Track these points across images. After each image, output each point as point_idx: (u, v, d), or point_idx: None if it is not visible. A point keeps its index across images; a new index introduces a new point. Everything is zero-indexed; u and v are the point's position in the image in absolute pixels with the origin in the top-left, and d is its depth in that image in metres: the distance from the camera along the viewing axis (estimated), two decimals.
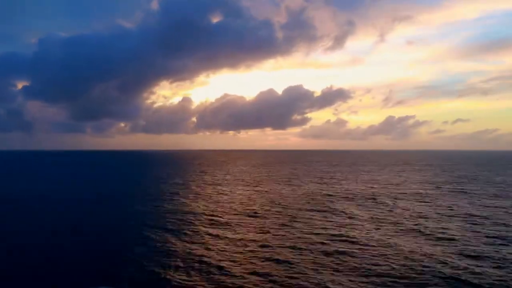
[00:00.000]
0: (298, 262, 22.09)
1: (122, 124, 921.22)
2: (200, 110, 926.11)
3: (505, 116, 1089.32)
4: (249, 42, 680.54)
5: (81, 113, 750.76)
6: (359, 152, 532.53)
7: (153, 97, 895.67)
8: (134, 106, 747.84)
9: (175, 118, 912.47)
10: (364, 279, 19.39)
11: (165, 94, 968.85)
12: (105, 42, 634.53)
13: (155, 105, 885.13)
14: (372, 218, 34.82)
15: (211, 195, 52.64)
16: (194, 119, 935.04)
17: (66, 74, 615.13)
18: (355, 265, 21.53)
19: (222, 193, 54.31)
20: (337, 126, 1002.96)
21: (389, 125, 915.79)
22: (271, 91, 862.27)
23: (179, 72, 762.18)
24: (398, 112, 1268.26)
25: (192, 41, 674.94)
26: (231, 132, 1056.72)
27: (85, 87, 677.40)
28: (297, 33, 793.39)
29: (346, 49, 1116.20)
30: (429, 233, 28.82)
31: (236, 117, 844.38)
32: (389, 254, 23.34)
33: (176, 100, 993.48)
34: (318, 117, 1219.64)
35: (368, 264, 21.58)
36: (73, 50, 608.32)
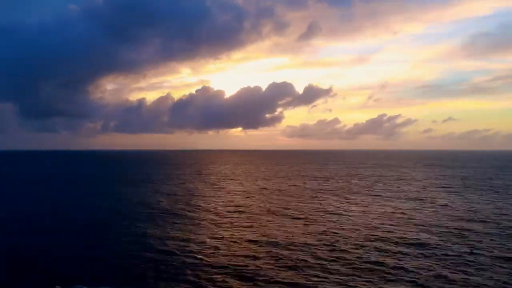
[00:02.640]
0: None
1: (90, 124, 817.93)
2: (172, 108, 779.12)
3: (508, 115, 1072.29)
4: (209, 25, 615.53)
5: (28, 111, 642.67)
6: (348, 152, 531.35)
7: (106, 94, 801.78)
8: (90, 103, 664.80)
9: (145, 116, 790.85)
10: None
11: (120, 91, 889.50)
12: (49, 31, 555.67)
13: (122, 103, 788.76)
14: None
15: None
16: (166, 118, 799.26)
17: (5, 68, 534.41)
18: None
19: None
20: (327, 125, 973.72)
21: (384, 125, 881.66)
22: (256, 89, 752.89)
23: (136, 65, 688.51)
24: (397, 112, 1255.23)
25: (145, 26, 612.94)
26: (210, 132, 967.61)
27: (29, 83, 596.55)
28: (263, 19, 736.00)
29: (350, 48, 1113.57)
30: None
31: (210, 115, 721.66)
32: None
33: (143, 97, 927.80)
34: (302, 116, 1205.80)
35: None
36: (13, 41, 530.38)
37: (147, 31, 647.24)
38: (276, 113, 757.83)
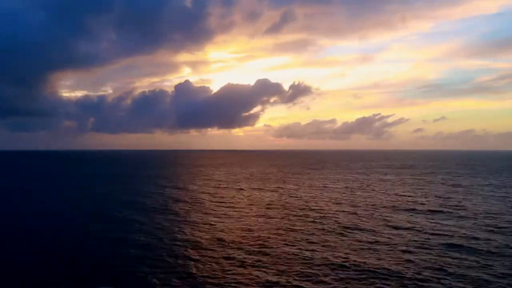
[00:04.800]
0: None
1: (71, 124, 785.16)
2: (136, 105, 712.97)
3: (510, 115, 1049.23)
4: (171, 14, 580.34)
5: None
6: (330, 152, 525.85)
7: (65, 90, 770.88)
8: (51, 100, 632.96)
9: (115, 115, 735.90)
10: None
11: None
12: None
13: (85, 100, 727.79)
14: None
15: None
16: (132, 115, 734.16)
17: None
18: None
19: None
20: (320, 125, 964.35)
21: (376, 125, 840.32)
22: (239, 86, 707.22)
23: (91, 59, 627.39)
24: (397, 112, 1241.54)
25: (99, 16, 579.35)
26: (192, 131, 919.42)
27: None
28: (229, 8, 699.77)
29: (354, 47, 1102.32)
30: None
31: (185, 113, 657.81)
32: None
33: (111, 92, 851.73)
34: (291, 115, 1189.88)
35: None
36: None
37: (103, 22, 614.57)
38: (261, 111, 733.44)
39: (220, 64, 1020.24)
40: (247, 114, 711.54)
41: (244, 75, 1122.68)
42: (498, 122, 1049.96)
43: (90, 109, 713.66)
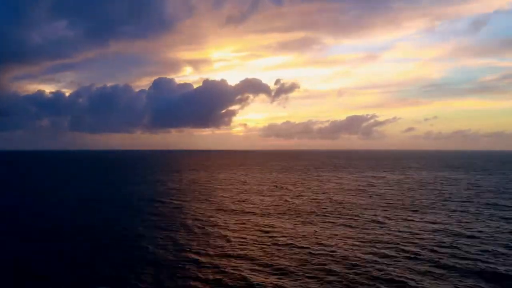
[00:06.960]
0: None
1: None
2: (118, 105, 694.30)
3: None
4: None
5: None
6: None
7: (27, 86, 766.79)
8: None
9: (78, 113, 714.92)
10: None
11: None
12: None
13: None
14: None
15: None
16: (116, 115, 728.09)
17: None
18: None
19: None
20: (313, 124, 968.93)
21: (367, 125, 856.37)
22: (220, 83, 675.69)
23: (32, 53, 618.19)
24: (398, 111, 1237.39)
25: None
26: (173, 131, 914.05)
27: None
28: None
29: (359, 46, 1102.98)
30: None
31: (161, 112, 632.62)
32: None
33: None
34: (282, 114, 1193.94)
35: None
36: None
37: (42, 8, 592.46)
38: (239, 109, 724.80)
39: (221, 63, 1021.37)
40: (231, 112, 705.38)
41: (246, 74, 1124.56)
42: (499, 122, 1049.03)
43: (64, 107, 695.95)
